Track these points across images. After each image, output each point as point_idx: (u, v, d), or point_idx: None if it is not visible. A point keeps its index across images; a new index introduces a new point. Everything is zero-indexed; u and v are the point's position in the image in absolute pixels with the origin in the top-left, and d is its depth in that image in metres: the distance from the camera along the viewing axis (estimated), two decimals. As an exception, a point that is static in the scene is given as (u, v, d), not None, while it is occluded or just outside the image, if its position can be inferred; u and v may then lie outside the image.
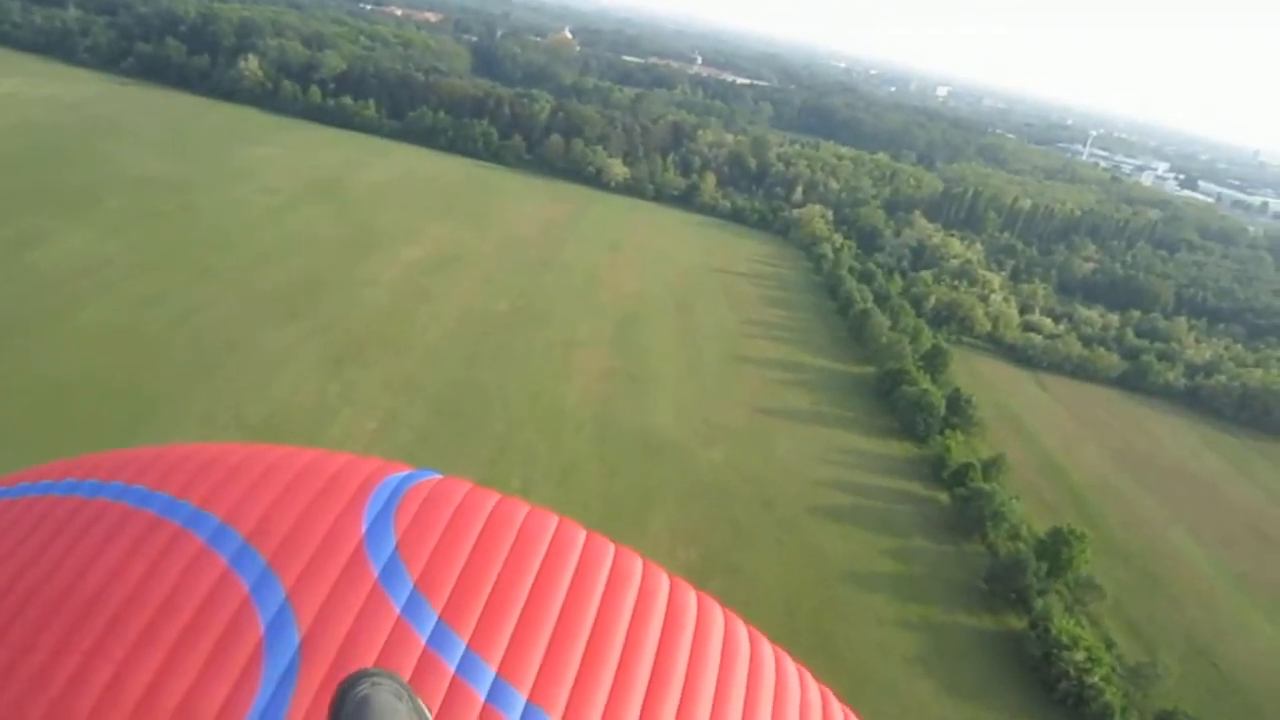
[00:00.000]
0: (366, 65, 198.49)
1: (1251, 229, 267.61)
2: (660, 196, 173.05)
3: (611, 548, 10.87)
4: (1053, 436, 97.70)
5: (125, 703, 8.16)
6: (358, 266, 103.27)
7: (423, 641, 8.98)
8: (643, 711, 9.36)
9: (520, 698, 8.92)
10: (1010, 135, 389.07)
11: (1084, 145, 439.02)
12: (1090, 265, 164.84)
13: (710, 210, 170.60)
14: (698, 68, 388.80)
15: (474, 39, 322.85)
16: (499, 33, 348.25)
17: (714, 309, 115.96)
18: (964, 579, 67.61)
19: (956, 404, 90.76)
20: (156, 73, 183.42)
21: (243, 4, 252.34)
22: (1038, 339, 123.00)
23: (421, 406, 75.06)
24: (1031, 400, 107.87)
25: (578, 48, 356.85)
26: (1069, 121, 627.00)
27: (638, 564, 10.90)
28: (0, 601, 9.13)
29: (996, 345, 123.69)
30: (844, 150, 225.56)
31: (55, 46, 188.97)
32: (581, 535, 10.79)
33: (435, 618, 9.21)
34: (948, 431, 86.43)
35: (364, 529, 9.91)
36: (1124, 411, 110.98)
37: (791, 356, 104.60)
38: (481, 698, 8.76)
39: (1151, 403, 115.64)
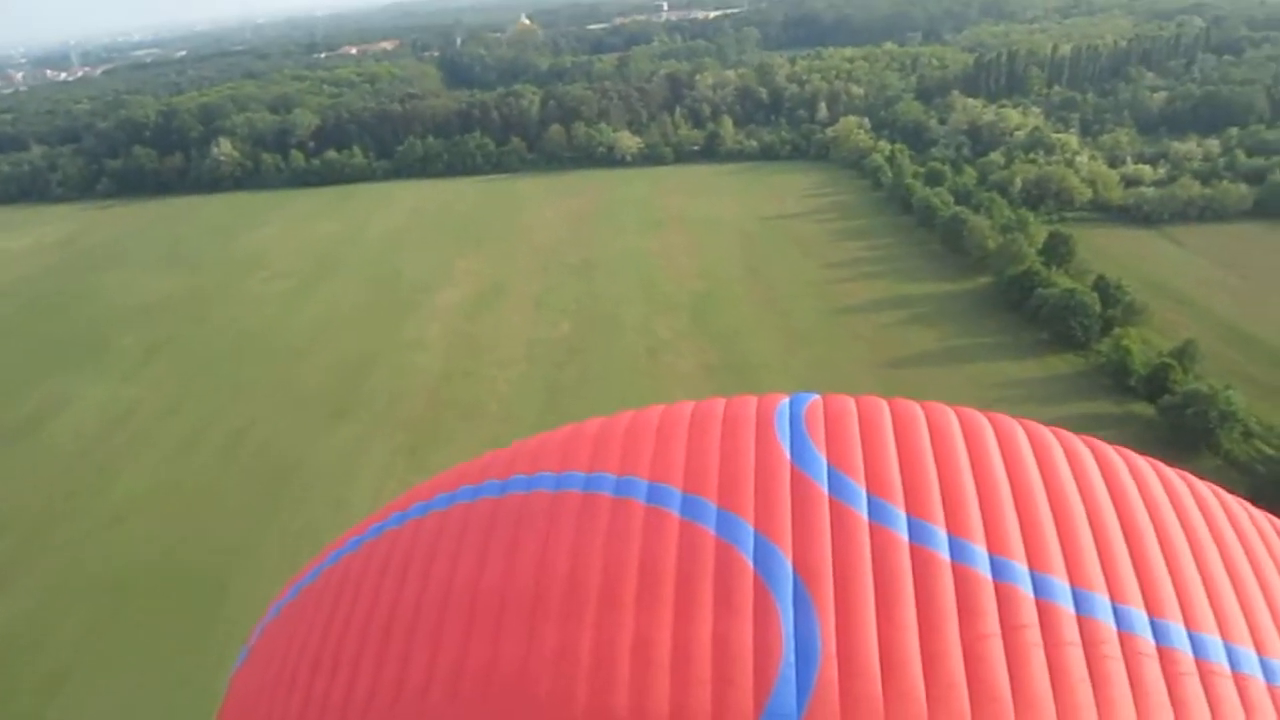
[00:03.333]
0: (340, 113, 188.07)
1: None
2: (681, 156, 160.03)
3: (1017, 423, 10.90)
4: (1220, 298, 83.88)
5: (657, 658, 8.49)
6: (399, 330, 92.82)
7: (906, 541, 9.11)
8: (1135, 564, 9.33)
9: (1022, 568, 9.00)
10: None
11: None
12: (1162, 94, 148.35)
13: (738, 156, 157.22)
14: (666, 14, 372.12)
15: (436, 54, 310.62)
16: (459, 40, 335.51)
17: (787, 263, 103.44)
18: (1218, 507, 55.21)
19: (1108, 294, 77.59)
20: (133, 186, 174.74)
21: (199, 91, 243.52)
22: (1148, 191, 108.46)
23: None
24: (1174, 262, 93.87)
25: (540, 32, 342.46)
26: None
27: (1046, 431, 10.87)
28: (490, 591, 9.55)
29: (1104, 211, 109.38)
30: (851, 51, 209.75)
31: (28, 190, 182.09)
32: (981, 416, 10.89)
33: (905, 516, 9.30)
34: (1117, 330, 73.46)
35: (788, 454, 10.06)
36: (1276, 244, 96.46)
37: (893, 290, 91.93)
38: (990, 577, 8.84)
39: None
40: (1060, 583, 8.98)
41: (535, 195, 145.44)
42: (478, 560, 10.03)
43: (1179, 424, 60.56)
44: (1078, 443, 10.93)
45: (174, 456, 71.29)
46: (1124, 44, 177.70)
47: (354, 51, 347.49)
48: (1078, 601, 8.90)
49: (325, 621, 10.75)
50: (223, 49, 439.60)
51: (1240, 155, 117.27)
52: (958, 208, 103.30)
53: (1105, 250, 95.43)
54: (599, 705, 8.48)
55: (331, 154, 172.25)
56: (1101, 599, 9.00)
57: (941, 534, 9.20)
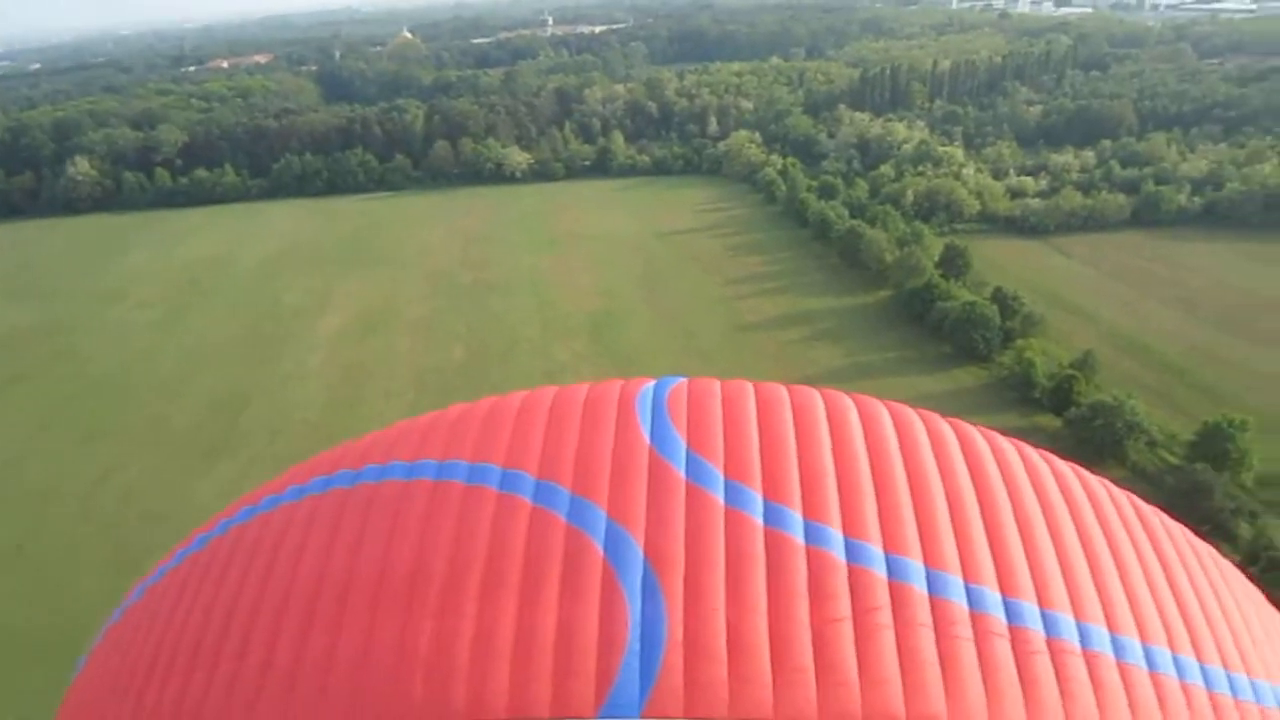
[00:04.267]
0: (210, 129, 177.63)
1: (1151, 24, 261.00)
2: (573, 172, 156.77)
3: (881, 405, 11.10)
4: (1109, 306, 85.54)
5: (500, 645, 8.41)
6: (278, 361, 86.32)
7: (760, 524, 9.18)
8: (991, 545, 9.52)
9: (878, 550, 9.04)
10: (877, 4, 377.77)
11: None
12: (1037, 108, 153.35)
13: (630, 171, 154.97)
14: (551, 29, 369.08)
15: (313, 68, 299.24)
16: (338, 54, 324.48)
17: (687, 280, 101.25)
18: (1131, 520, 54.91)
19: (1006, 306, 77.92)
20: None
21: (54, 105, 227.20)
22: (1035, 203, 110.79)
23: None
24: (1063, 272, 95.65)
25: (423, 45, 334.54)
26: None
27: (912, 413, 11.06)
28: (331, 586, 9.31)
29: (992, 223, 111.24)
30: (740, 66, 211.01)
31: None
32: (848, 399, 11.08)
33: (761, 499, 9.38)
34: (1018, 342, 73.55)
35: (648, 437, 10.12)
36: (1158, 252, 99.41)
37: (796, 306, 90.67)
38: (843, 559, 8.93)
39: (1176, 233, 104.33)
40: (915, 564, 9.05)
41: (422, 214, 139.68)
42: (322, 552, 9.82)
43: (1086, 436, 60.37)
44: (942, 425, 11.09)
45: (21, 517, 63.46)
46: (999, 60, 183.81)
47: (225, 65, 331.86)
48: (931, 583, 8.96)
49: (164, 623, 10.50)
50: (82, 61, 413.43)
51: (1116, 166, 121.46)
52: (853, 221, 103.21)
53: (997, 261, 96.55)
54: (436, 697, 8.31)
55: (201, 172, 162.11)
56: (955, 580, 9.05)
57: (797, 518, 9.25)
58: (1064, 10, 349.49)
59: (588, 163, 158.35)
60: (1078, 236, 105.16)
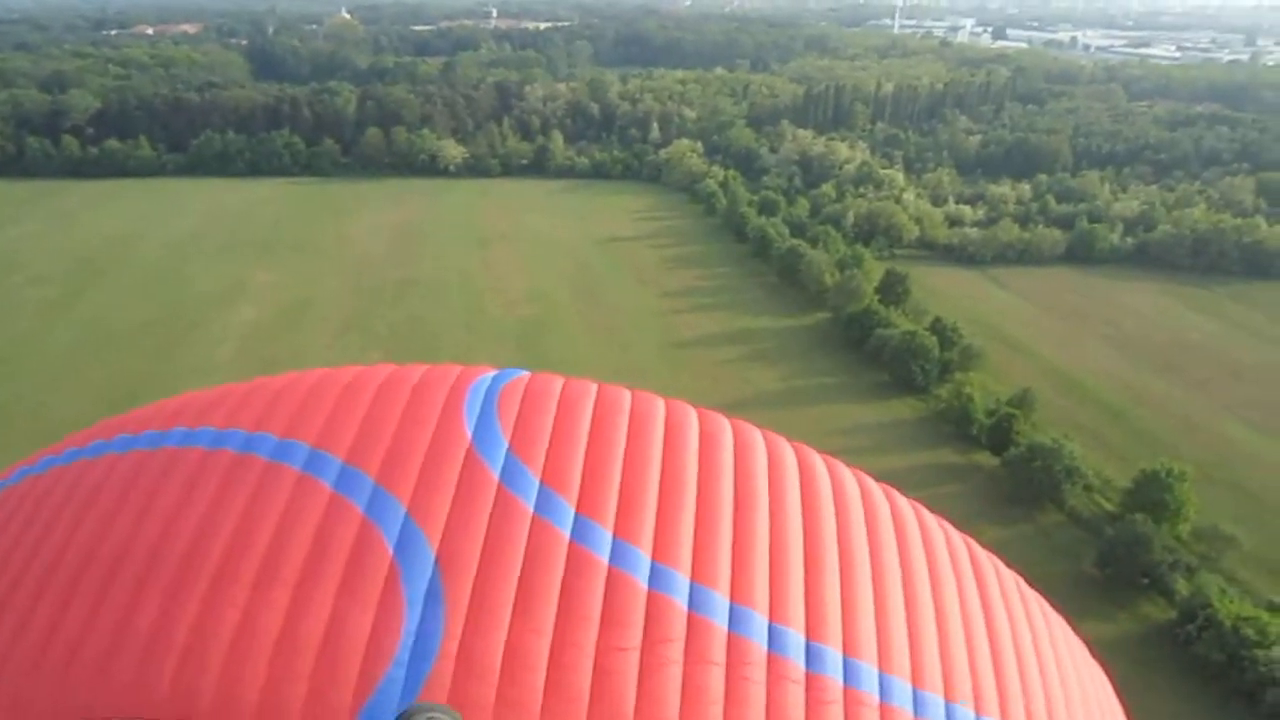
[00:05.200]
0: (126, 97, 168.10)
1: (1084, 63, 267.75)
2: (509, 169, 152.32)
3: (727, 422, 10.57)
4: (1045, 342, 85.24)
5: (261, 642, 7.84)
6: (182, 351, 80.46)
7: (566, 538, 8.64)
8: (806, 572, 9.16)
9: (684, 579, 8.61)
10: (822, 23, 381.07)
11: (893, 19, 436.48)
12: (976, 138, 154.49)
13: (567, 172, 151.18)
14: (495, 21, 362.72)
15: (244, 42, 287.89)
16: (271, 29, 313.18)
17: (622, 289, 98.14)
18: (1067, 569, 53.45)
19: (945, 337, 76.65)
20: None
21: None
22: (973, 233, 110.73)
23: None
24: (998, 304, 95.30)
25: (361, 27, 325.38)
26: (863, 0, 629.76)
27: (757, 435, 10.65)
28: (102, 557, 8.83)
29: (930, 249, 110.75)
30: (684, 74, 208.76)
31: None
32: (693, 413, 10.55)
33: (572, 512, 8.86)
34: (958, 376, 72.19)
35: (470, 433, 9.51)
36: (1092, 290, 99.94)
37: (732, 324, 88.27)
38: (645, 586, 8.46)
39: (1109, 271, 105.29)
40: (720, 598, 8.66)
41: (349, 203, 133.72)
42: (103, 520, 9.19)
43: (1024, 477, 58.88)
44: (786, 453, 10.63)
45: None
46: (940, 87, 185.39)
47: (150, 31, 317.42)
48: (733, 619, 8.59)
49: None
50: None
51: (1051, 201, 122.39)
52: (794, 240, 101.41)
53: (935, 289, 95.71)
54: (183, 691, 7.71)
55: (113, 143, 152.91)
56: (759, 618, 8.68)
57: (606, 535, 8.81)
58: (1000, 43, 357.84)
59: (525, 161, 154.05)
60: (1014, 269, 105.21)
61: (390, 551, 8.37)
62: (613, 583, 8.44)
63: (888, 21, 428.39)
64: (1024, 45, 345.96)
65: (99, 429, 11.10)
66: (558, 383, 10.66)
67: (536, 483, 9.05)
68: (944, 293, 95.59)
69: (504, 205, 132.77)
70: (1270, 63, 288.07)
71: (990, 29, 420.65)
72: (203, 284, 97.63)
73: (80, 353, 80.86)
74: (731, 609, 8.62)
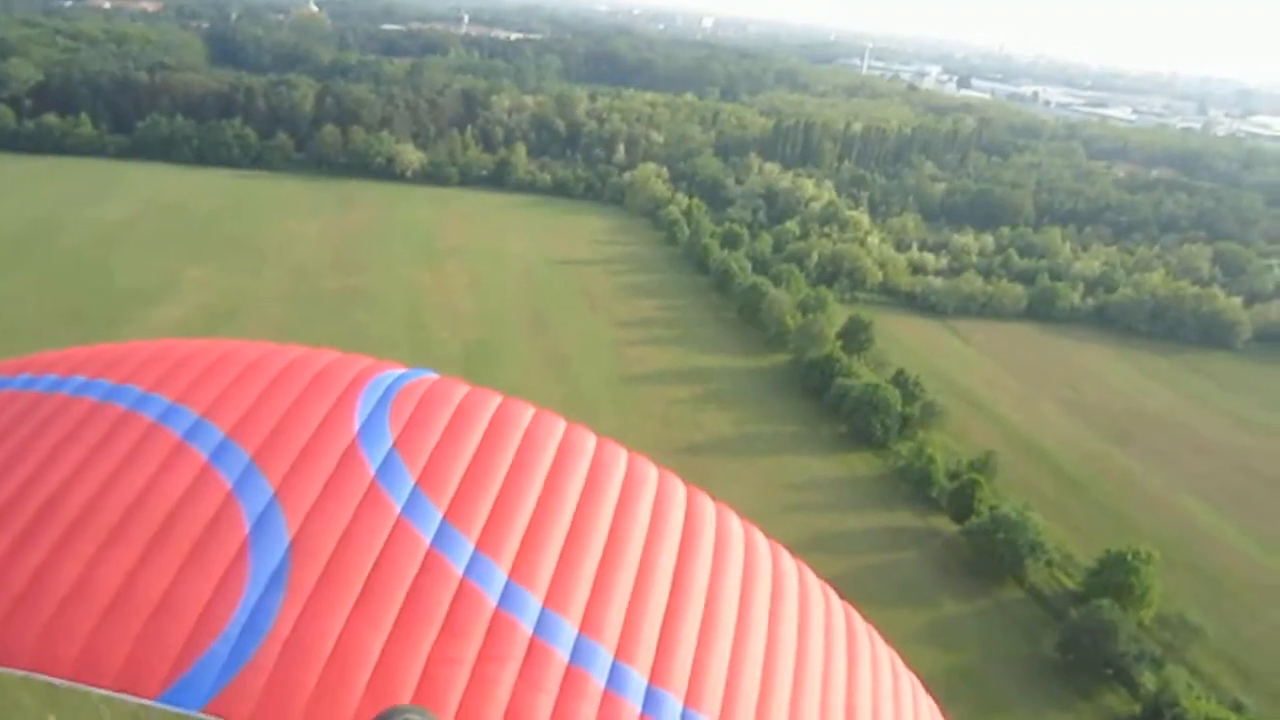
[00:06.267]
0: (70, 71, 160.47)
1: (1046, 118, 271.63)
2: (467, 180, 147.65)
3: (624, 454, 10.79)
4: (1003, 401, 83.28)
5: (97, 599, 7.89)
6: (94, 351, 74.48)
7: (427, 542, 8.73)
8: (665, 615, 9.18)
9: (536, 601, 8.58)
10: (793, 58, 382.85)
11: (861, 59, 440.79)
12: (941, 185, 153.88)
13: (528, 188, 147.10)
14: (466, 27, 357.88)
15: (204, 25, 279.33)
16: (234, 14, 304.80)
17: (575, 316, 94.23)
18: (1027, 651, 50.77)
19: (907, 390, 74.10)
20: None
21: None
22: (936, 282, 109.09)
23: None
24: (960, 358, 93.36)
25: (328, 21, 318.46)
26: (832, 38, 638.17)
27: (652, 471, 10.81)
28: None
29: (893, 295, 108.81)
30: (654, 96, 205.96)
31: None
32: (591, 439, 10.81)
33: (440, 518, 8.96)
34: (919, 434, 69.53)
35: (357, 425, 9.70)
36: (1052, 349, 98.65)
37: (686, 361, 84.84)
38: (494, 602, 8.49)
39: (1067, 331, 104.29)
40: (568, 627, 8.61)
41: (297, 202, 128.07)
42: None
43: (985, 548, 56.19)
44: (676, 493, 10.65)
45: None
46: (908, 131, 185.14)
47: (107, 5, 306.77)
48: (577, 651, 8.50)
49: None
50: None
51: (1014, 255, 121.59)
52: (756, 277, 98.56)
53: (897, 338, 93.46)
54: (8, 636, 7.75)
55: (51, 118, 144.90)
56: (604, 653, 8.57)
57: (467, 546, 8.80)
58: (965, 92, 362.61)
59: (485, 172, 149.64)
60: (976, 322, 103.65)
61: (246, 529, 8.42)
62: (462, 593, 8.39)
63: (856, 61, 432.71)
64: (988, 96, 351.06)
65: (6, 364, 11.11)
66: (460, 390, 10.79)
67: (411, 484, 9.13)
68: (905, 342, 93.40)
69: (460, 217, 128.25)
70: (1221, 132, 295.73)
71: (956, 78, 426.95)
72: (127, 277, 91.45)
73: (-15, 343, 74.47)
74: (577, 640, 8.52)
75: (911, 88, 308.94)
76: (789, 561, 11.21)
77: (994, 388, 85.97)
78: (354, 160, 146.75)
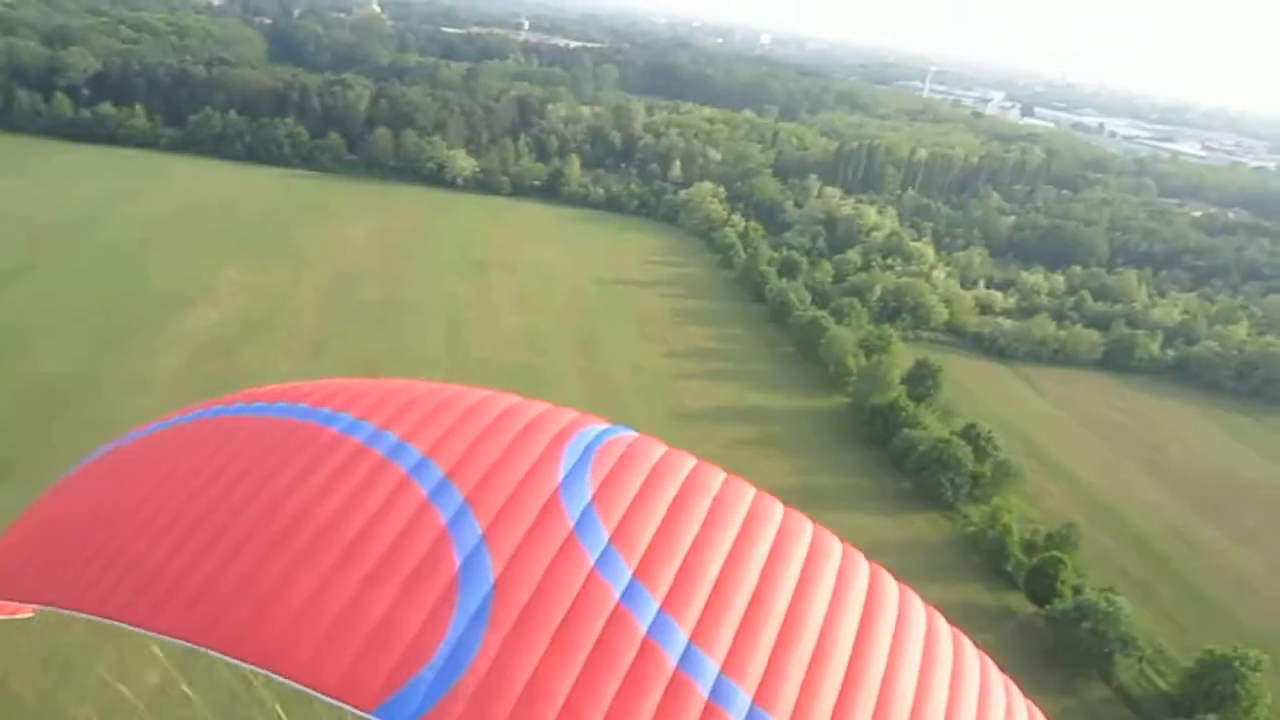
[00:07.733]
0: (129, 62, 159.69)
1: (1114, 150, 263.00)
2: (519, 190, 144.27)
3: (809, 525, 11.30)
4: (1081, 461, 77.16)
5: (326, 613, 8.77)
6: (119, 356, 71.33)
7: (616, 596, 9.26)
8: (840, 694, 9.49)
9: (713, 666, 9.01)
10: (852, 78, 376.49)
11: (922, 82, 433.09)
12: (1010, 219, 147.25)
13: (581, 201, 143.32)
14: (526, 34, 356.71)
15: (267, 21, 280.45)
16: (296, 11, 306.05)
17: (624, 341, 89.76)
18: (1118, 763, 45.10)
19: (978, 446, 68.39)
20: None
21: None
22: (1005, 324, 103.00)
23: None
24: (1032, 410, 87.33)
25: (389, 22, 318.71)
26: (892, 60, 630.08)
27: (835, 545, 11.24)
28: (211, 513, 10.07)
29: (958, 335, 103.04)
30: (712, 112, 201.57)
31: None
32: (779, 509, 11.41)
33: (630, 575, 9.47)
34: (994, 500, 63.87)
35: (560, 477, 10.38)
36: (1131, 404, 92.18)
37: (742, 399, 79.96)
38: (674, 662, 8.93)
39: (1148, 384, 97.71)
40: (743, 695, 8.91)
41: (345, 205, 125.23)
42: (235, 478, 10.63)
43: (1069, 639, 50.46)
44: (859, 574, 10.98)
45: None
46: (975, 160, 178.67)
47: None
48: (749, 719, 8.87)
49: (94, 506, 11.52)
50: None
51: (1088, 298, 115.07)
52: (815, 310, 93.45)
53: (963, 383, 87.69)
54: (243, 634, 8.73)
55: (107, 108, 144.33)
56: None
57: (653, 604, 9.25)
58: (1029, 120, 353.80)
59: (537, 183, 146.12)
60: (1047, 369, 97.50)
61: (456, 566, 9.24)
62: (645, 650, 8.93)
63: (917, 84, 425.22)
64: (1052, 125, 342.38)
65: (267, 391, 12.79)
66: (657, 450, 11.47)
67: (606, 539, 9.78)
68: (972, 388, 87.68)
69: (509, 229, 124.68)
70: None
71: (1019, 105, 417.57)
72: (163, 277, 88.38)
73: (3, 343, 71.49)
74: (750, 710, 8.89)
75: (976, 114, 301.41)
76: (947, 643, 11.41)
77: (1070, 446, 79.86)
78: (404, 164, 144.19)
